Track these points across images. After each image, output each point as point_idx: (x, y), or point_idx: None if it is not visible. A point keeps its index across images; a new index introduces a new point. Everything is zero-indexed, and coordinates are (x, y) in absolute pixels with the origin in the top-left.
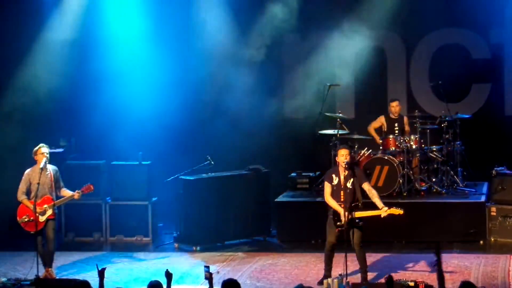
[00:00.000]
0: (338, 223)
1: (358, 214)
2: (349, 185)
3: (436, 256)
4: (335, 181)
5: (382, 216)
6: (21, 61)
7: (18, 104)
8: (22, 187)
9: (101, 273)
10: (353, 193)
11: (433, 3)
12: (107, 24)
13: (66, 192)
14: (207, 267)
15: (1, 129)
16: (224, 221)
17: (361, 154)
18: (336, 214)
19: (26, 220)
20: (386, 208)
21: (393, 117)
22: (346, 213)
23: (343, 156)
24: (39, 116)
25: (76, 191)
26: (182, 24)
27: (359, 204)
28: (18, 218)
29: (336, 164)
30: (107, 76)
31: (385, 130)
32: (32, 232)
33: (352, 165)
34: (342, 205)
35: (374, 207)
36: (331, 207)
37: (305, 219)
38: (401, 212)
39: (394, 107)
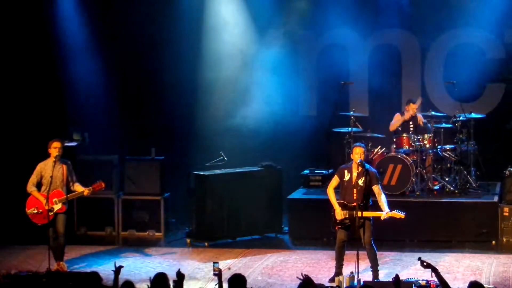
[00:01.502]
0: (338, 221)
1: (363, 214)
2: (360, 183)
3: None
4: (347, 177)
5: (382, 218)
6: (35, 56)
7: (33, 98)
8: (32, 178)
9: (117, 271)
10: (363, 192)
11: (448, 2)
12: (121, 18)
13: (79, 187)
14: (216, 263)
15: (15, 123)
16: (236, 218)
17: (374, 152)
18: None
19: (34, 212)
20: (388, 211)
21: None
22: (354, 212)
23: (357, 154)
24: (52, 110)
25: (87, 188)
26: (198, 21)
27: (368, 203)
28: (26, 210)
29: (350, 160)
30: (121, 71)
31: (400, 128)
32: (39, 225)
33: (366, 164)
34: (355, 203)
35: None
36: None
37: (317, 216)
38: (403, 216)
39: (413, 109)
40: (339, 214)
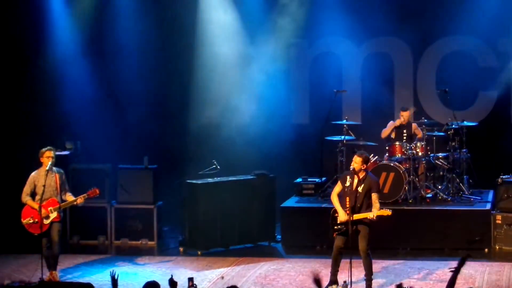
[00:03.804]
0: (335, 227)
1: (353, 217)
2: (360, 189)
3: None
4: (348, 183)
5: (369, 217)
6: (27, 64)
7: (25, 107)
8: (26, 189)
9: (114, 281)
10: (361, 199)
11: (441, 10)
12: (113, 26)
13: (70, 197)
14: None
15: (7, 132)
16: (229, 226)
17: None
18: (333, 218)
19: (30, 222)
20: (376, 210)
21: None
22: (349, 217)
23: (353, 161)
24: (45, 119)
25: (81, 195)
26: (190, 29)
27: (364, 210)
28: (22, 220)
29: (343, 168)
30: (113, 79)
31: (393, 136)
32: (36, 234)
33: (368, 172)
34: (348, 211)
35: None
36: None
37: (311, 224)
38: (389, 213)
39: (404, 116)
40: (343, 215)
